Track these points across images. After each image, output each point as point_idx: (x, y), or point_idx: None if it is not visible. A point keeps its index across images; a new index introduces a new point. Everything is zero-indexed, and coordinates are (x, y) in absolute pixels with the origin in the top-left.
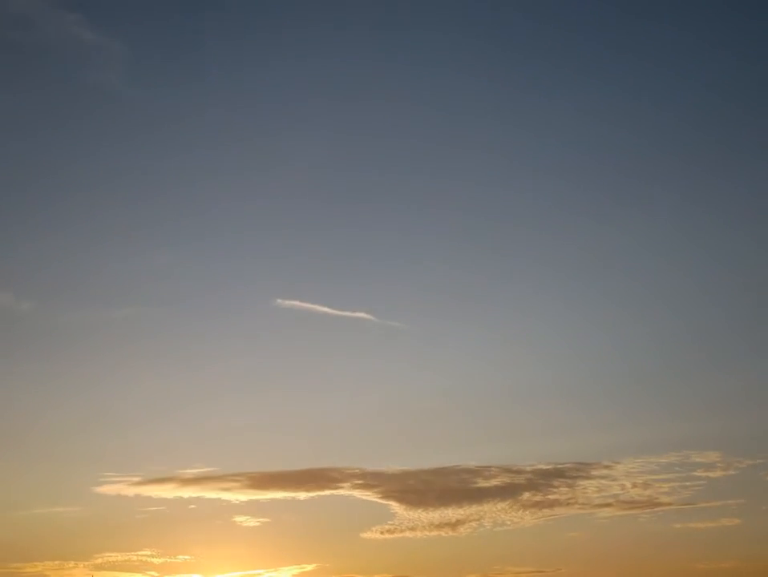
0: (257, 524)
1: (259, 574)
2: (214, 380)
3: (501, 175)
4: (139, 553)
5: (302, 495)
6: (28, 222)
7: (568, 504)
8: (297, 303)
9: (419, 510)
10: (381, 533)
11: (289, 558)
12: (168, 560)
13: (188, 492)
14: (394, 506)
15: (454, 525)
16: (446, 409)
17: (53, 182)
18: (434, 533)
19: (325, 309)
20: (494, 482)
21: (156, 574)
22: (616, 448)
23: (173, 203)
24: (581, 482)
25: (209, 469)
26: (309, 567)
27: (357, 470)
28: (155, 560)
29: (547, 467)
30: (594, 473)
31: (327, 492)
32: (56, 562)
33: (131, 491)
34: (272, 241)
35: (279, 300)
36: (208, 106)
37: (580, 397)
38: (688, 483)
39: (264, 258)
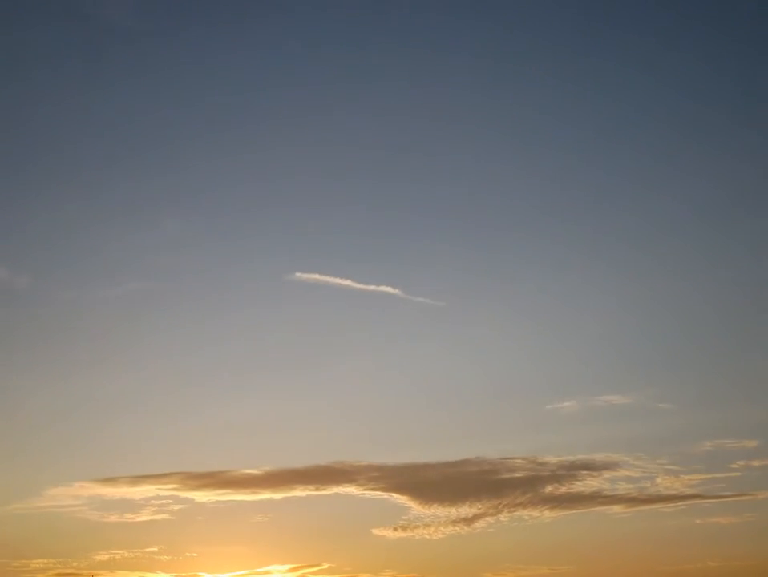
0: (266, 520)
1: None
2: (221, 362)
3: (535, 152)
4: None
5: (316, 493)
6: (27, 194)
7: (592, 498)
8: (316, 276)
9: (435, 506)
10: (395, 529)
11: (300, 557)
12: (175, 558)
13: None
14: (408, 501)
15: (471, 520)
16: (475, 394)
17: (57, 151)
18: (451, 529)
19: (348, 283)
20: (516, 475)
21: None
22: (646, 437)
23: (185, 173)
24: (607, 474)
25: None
26: (324, 566)
27: (371, 464)
28: (162, 558)
29: (574, 459)
30: (621, 463)
31: (337, 489)
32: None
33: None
34: (291, 212)
35: (298, 274)
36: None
37: (612, 383)
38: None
39: (280, 229)
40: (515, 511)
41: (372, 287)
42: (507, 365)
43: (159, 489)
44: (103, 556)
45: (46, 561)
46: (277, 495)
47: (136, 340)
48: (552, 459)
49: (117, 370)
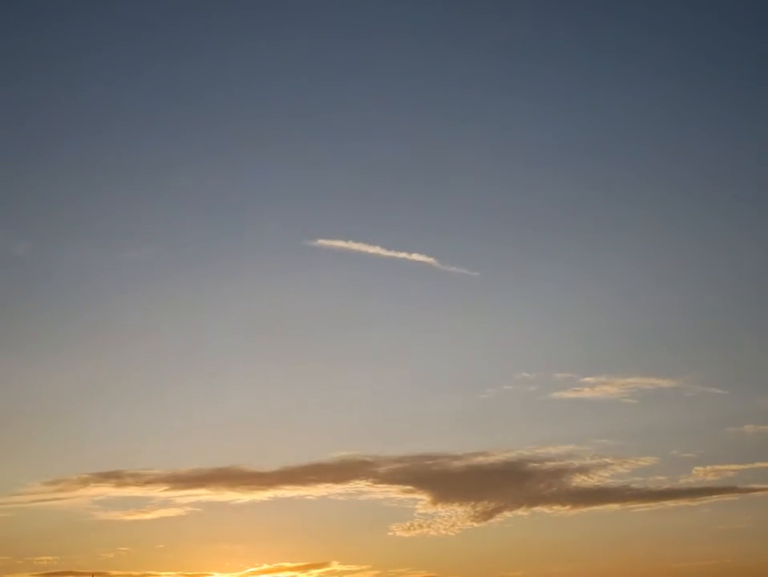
0: (276, 518)
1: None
2: (233, 345)
3: (574, 128)
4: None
5: (328, 489)
6: (28, 153)
7: (616, 493)
8: (341, 243)
9: (452, 501)
10: (409, 528)
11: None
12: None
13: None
14: (424, 496)
15: (491, 514)
16: (506, 375)
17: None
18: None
19: (376, 250)
20: (545, 466)
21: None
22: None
23: (197, 129)
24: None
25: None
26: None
27: (389, 456)
28: (169, 555)
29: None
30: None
31: (351, 485)
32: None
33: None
34: (313, 173)
35: (320, 240)
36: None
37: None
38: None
39: (300, 191)
40: (537, 506)
41: (403, 255)
42: (542, 343)
43: (166, 485)
44: (108, 554)
45: (50, 558)
46: (289, 493)
47: (143, 313)
48: (585, 448)
49: (123, 349)
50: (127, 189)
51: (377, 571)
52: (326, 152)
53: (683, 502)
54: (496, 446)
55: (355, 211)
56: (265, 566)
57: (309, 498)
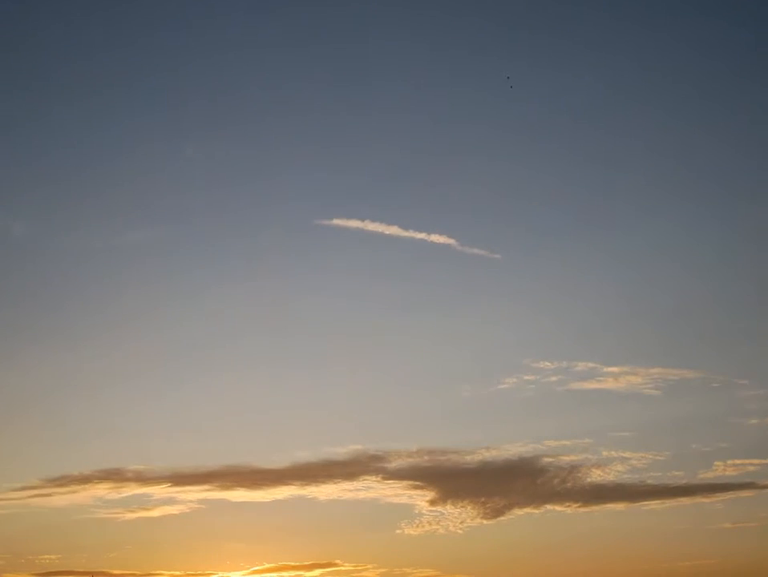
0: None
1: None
2: (234, 333)
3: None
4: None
5: (336, 485)
6: (25, 128)
7: (627, 490)
8: (355, 223)
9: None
10: (417, 525)
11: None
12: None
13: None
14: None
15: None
16: (525, 361)
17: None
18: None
19: (394, 230)
20: (560, 462)
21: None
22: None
23: (205, 97)
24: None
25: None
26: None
27: (399, 450)
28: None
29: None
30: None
31: (360, 482)
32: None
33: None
34: (328, 150)
35: (335, 220)
36: None
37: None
38: None
39: (314, 168)
40: (549, 504)
41: (422, 235)
42: (565, 330)
43: (169, 483)
44: (110, 552)
45: (51, 556)
46: (296, 490)
47: (145, 301)
48: (603, 441)
49: (126, 339)
50: (129, 165)
51: (383, 570)
52: (342, 128)
53: (698, 499)
54: (511, 440)
55: (372, 189)
56: (269, 565)
57: (315, 495)
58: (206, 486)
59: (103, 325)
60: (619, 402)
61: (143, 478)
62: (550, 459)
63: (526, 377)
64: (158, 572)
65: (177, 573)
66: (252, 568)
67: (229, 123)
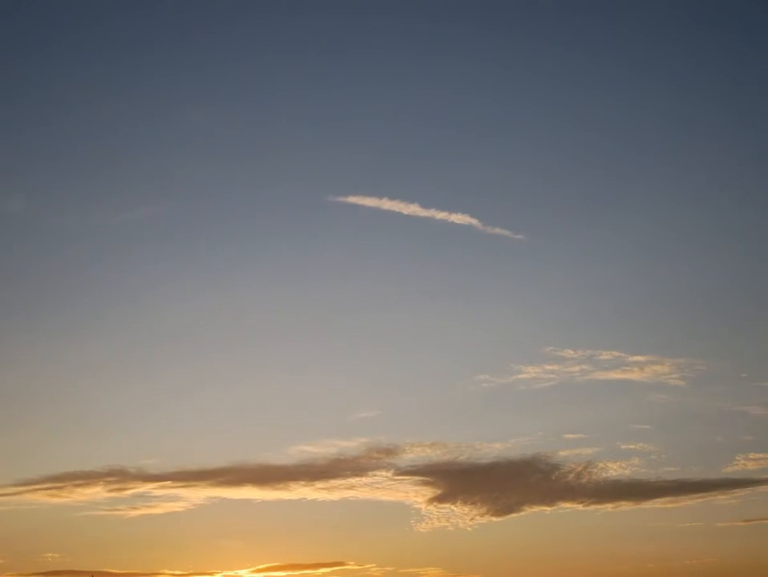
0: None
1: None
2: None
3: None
4: None
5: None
6: (20, 103)
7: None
8: (372, 200)
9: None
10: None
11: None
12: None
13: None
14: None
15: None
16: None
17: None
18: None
19: (413, 209)
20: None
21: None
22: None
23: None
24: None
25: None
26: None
27: (408, 446)
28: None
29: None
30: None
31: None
32: None
33: None
34: (344, 125)
35: (351, 197)
36: None
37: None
38: None
39: (328, 144)
40: (561, 501)
41: (443, 214)
42: (590, 317)
43: (172, 481)
44: (113, 552)
45: (53, 555)
46: (302, 489)
47: (149, 283)
48: (622, 433)
49: (127, 327)
50: (131, 137)
51: (389, 569)
52: (357, 98)
53: (716, 496)
54: (528, 433)
55: (389, 165)
56: (274, 564)
57: (322, 492)
58: (211, 484)
59: (102, 312)
60: (642, 393)
61: (146, 476)
62: (566, 453)
63: (548, 367)
64: (162, 571)
65: (179, 572)
66: (257, 567)
67: (237, 97)
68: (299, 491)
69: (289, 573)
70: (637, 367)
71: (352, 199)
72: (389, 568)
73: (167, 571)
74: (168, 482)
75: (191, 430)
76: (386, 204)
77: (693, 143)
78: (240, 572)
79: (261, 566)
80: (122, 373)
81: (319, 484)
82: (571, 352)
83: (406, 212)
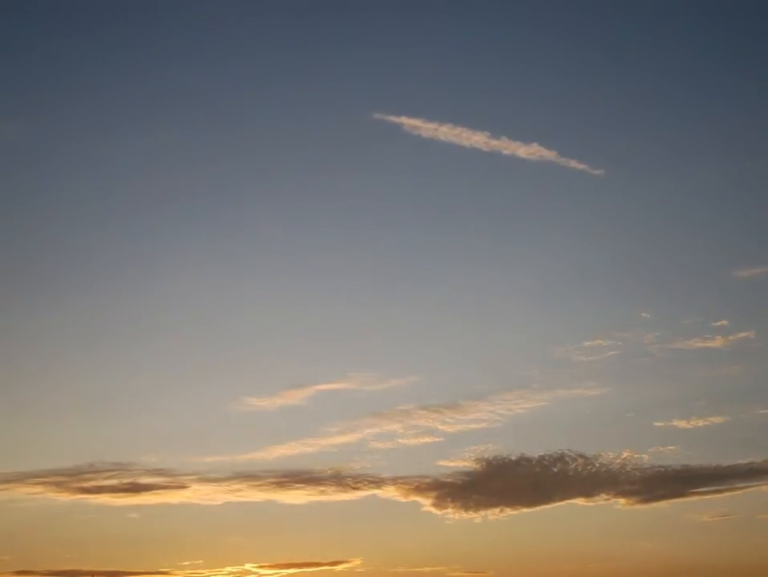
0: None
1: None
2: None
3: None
4: None
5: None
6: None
7: None
8: (419, 122)
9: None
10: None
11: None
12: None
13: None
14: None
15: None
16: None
17: None
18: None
19: (480, 137)
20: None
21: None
22: None
23: None
24: None
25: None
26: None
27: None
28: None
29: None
30: None
31: None
32: None
33: None
34: (401, 38)
35: (404, 117)
36: None
37: None
38: None
39: (379, 61)
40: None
41: (516, 144)
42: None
43: (180, 481)
44: (115, 551)
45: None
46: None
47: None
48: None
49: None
50: (141, 62)
51: (402, 569)
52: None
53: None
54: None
55: (453, 88)
56: (282, 562)
57: (334, 490)
58: (222, 484)
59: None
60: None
61: (158, 474)
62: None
63: (621, 334)
64: (166, 571)
65: (182, 572)
66: (261, 564)
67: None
68: (311, 491)
69: (294, 570)
70: (720, 335)
71: (405, 120)
72: (401, 569)
73: (174, 571)
74: (181, 481)
75: (205, 428)
76: (442, 131)
77: None
78: (250, 565)
79: (264, 564)
80: (133, 369)
81: (330, 481)
82: (646, 315)
83: (472, 139)
